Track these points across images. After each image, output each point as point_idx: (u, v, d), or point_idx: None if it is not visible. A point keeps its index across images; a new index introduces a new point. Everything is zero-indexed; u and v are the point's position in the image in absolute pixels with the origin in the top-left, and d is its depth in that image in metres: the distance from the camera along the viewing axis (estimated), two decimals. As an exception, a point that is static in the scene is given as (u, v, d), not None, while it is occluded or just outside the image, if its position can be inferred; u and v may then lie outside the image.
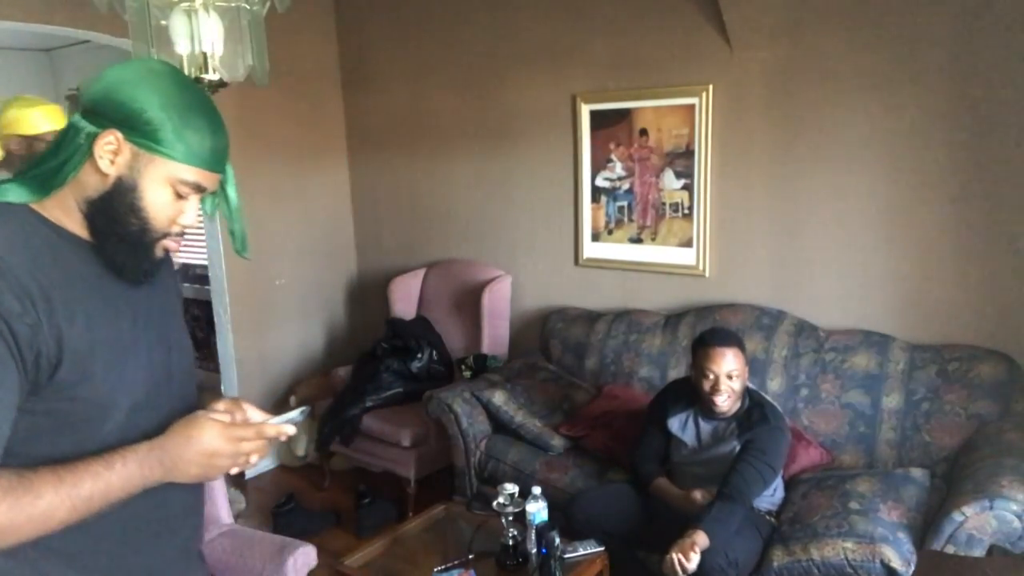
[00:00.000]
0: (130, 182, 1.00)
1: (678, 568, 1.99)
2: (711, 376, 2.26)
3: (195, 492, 1.18)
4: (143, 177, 1.00)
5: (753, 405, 2.33)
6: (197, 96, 1.04)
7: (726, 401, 2.27)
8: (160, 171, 1.00)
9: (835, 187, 2.83)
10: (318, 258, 4.23)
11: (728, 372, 2.25)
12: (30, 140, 2.41)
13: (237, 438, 1.02)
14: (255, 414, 1.11)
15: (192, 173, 1.01)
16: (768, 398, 2.45)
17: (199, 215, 1.10)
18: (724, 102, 3.01)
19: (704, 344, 2.31)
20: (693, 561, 1.99)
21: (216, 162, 1.04)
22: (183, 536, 1.18)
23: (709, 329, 2.48)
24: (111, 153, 0.98)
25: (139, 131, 0.98)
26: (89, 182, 1.00)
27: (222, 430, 1.01)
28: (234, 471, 1.05)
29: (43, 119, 2.42)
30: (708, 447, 2.37)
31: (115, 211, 1.00)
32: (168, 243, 1.07)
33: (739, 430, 2.31)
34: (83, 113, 1.00)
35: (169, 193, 1.02)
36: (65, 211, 1.01)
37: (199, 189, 1.04)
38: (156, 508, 1.08)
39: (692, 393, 2.38)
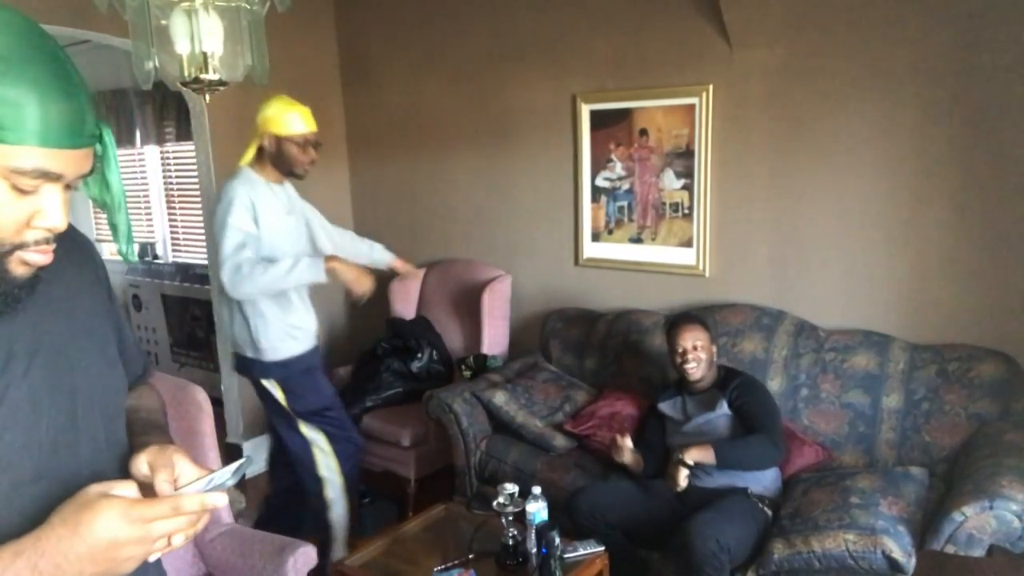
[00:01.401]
0: None
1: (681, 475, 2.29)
2: (680, 349, 2.55)
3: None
4: None
5: (726, 373, 2.61)
6: (25, 40, 0.71)
7: (696, 369, 2.52)
8: None
9: (835, 187, 2.83)
10: (318, 258, 4.22)
11: (693, 344, 2.52)
12: (280, 140, 2.47)
13: (145, 519, 0.73)
14: (188, 471, 0.83)
15: (29, 156, 0.71)
16: (734, 367, 2.71)
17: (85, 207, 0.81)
18: (724, 102, 3.01)
19: (671, 327, 2.63)
20: (688, 457, 2.30)
21: (67, 134, 0.73)
22: None
23: (675, 315, 2.88)
24: None
25: None
26: None
27: (123, 511, 0.72)
28: (152, 559, 0.77)
29: (298, 121, 2.50)
30: (700, 412, 2.54)
31: None
32: (28, 256, 0.75)
33: (720, 392, 2.52)
34: None
35: (4, 189, 0.72)
36: None
37: (50, 176, 0.73)
38: None
39: (678, 382, 2.66)
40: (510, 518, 2.21)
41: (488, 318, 3.60)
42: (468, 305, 3.72)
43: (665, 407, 2.66)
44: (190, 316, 5.00)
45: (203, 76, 2.05)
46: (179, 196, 5.19)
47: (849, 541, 2.08)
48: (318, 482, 2.60)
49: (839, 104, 2.77)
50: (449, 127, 3.90)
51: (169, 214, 5.30)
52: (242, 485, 3.76)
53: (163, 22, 2.02)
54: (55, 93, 0.71)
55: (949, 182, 2.62)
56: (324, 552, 2.54)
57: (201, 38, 2.00)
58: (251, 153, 2.52)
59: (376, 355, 3.62)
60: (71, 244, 0.91)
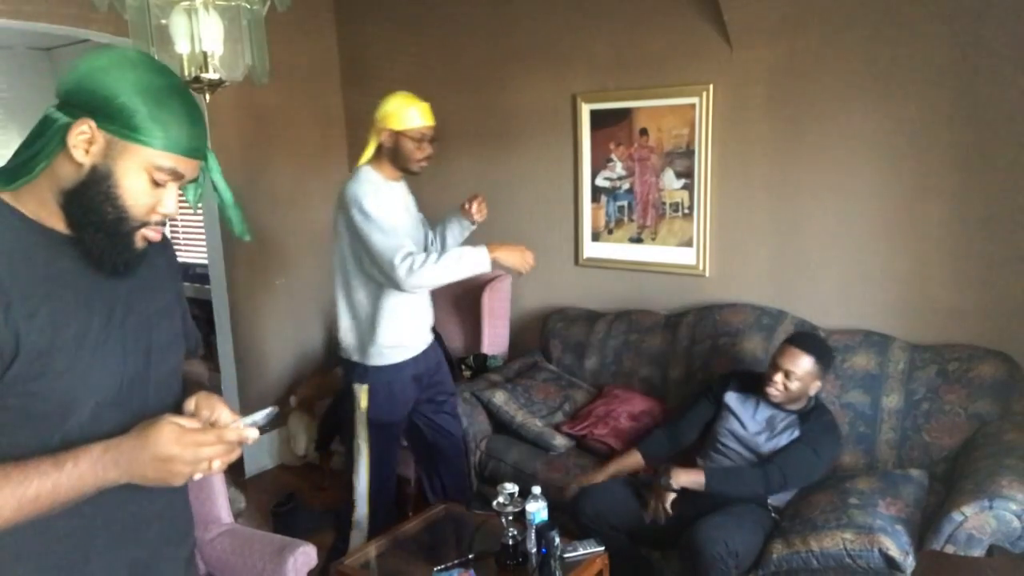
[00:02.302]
0: (105, 170, 0.98)
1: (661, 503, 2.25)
2: (773, 366, 2.38)
3: (161, 499, 1.13)
4: (118, 165, 0.98)
5: (816, 408, 2.43)
6: (171, 82, 1.02)
7: (775, 393, 2.36)
8: (135, 158, 0.99)
9: (835, 187, 2.83)
10: (318, 258, 4.22)
11: (787, 369, 2.33)
12: (398, 135, 2.44)
13: (196, 443, 0.98)
14: (225, 414, 1.08)
15: (168, 159, 1.00)
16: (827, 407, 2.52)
17: (186, 206, 1.09)
18: (724, 102, 3.01)
19: (786, 341, 2.45)
20: (676, 482, 2.24)
21: (193, 148, 1.03)
22: (145, 546, 1.13)
23: (805, 331, 2.68)
24: (85, 142, 0.97)
25: (112, 118, 0.97)
26: (64, 173, 0.99)
27: (180, 435, 0.97)
28: (197, 477, 1.01)
29: (416, 115, 2.44)
30: (761, 431, 2.42)
31: (91, 200, 0.98)
32: (147, 232, 1.05)
33: (800, 422, 2.38)
34: (58, 105, 0.99)
35: (145, 180, 1.00)
36: (41, 203, 1.00)
37: (177, 176, 1.03)
38: (114, 512, 1.06)
39: (756, 383, 2.46)
40: (510, 518, 2.21)
41: (488, 318, 3.60)
42: (468, 305, 3.72)
43: (733, 400, 2.50)
44: (190, 316, 5.00)
45: (203, 76, 2.05)
46: (179, 196, 5.18)
47: (847, 540, 2.08)
48: (351, 485, 2.60)
49: (839, 104, 2.77)
50: (449, 127, 3.88)
51: (169, 214, 5.29)
52: (243, 486, 3.77)
53: (163, 22, 2.02)
54: (191, 118, 1.02)
55: (949, 182, 2.62)
56: (338, 550, 2.56)
57: (201, 38, 2.00)
58: (369, 151, 2.52)
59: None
60: (162, 242, 1.19)
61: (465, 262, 2.31)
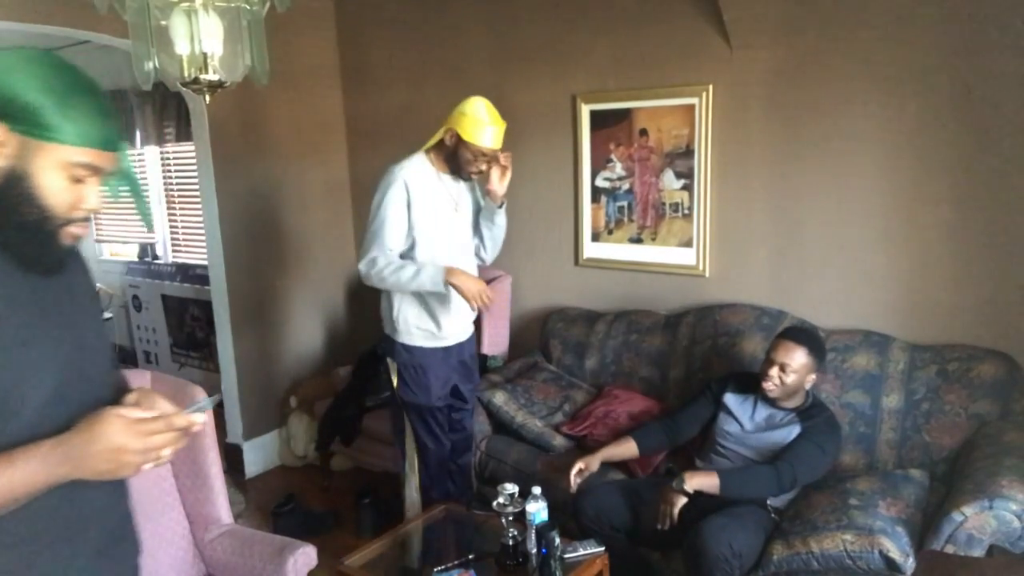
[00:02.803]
0: (21, 172, 0.99)
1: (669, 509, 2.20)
2: (768, 361, 2.38)
3: (110, 491, 1.16)
4: (33, 165, 0.99)
5: (814, 404, 2.43)
6: (77, 76, 1.02)
7: (771, 388, 2.36)
8: (51, 157, 0.99)
9: (835, 187, 2.83)
10: (318, 258, 4.23)
11: (782, 363, 2.33)
12: (460, 141, 2.47)
13: (145, 432, 0.99)
14: (165, 406, 1.09)
15: (85, 155, 1.00)
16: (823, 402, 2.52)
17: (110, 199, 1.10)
18: (724, 102, 3.01)
19: (779, 335, 2.46)
20: (690, 486, 2.20)
21: (109, 141, 1.03)
22: (97, 537, 1.15)
23: (796, 324, 2.70)
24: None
25: (20, 119, 0.97)
26: None
27: (129, 424, 0.99)
28: (147, 467, 1.02)
29: (489, 137, 2.44)
30: (761, 430, 2.42)
31: (10, 202, 0.99)
32: (74, 230, 1.05)
33: (800, 419, 2.37)
34: None
35: (64, 178, 1.01)
36: None
37: (96, 171, 1.03)
38: (66, 507, 1.07)
39: (756, 383, 2.45)
40: (510, 518, 2.21)
41: (488, 318, 3.60)
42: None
43: (732, 401, 2.50)
44: (190, 316, 5.00)
45: (203, 76, 2.04)
46: (179, 196, 5.19)
47: (847, 541, 2.08)
48: (402, 456, 2.74)
49: (839, 104, 2.77)
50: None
51: (169, 214, 5.30)
52: (243, 486, 3.77)
53: (163, 22, 2.02)
54: (97, 113, 1.01)
55: (949, 182, 2.62)
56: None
57: (201, 38, 2.00)
58: (435, 140, 2.56)
59: (376, 355, 3.60)
60: (80, 259, 1.20)
61: (421, 278, 2.43)
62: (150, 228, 1.31)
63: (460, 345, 2.70)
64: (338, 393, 3.66)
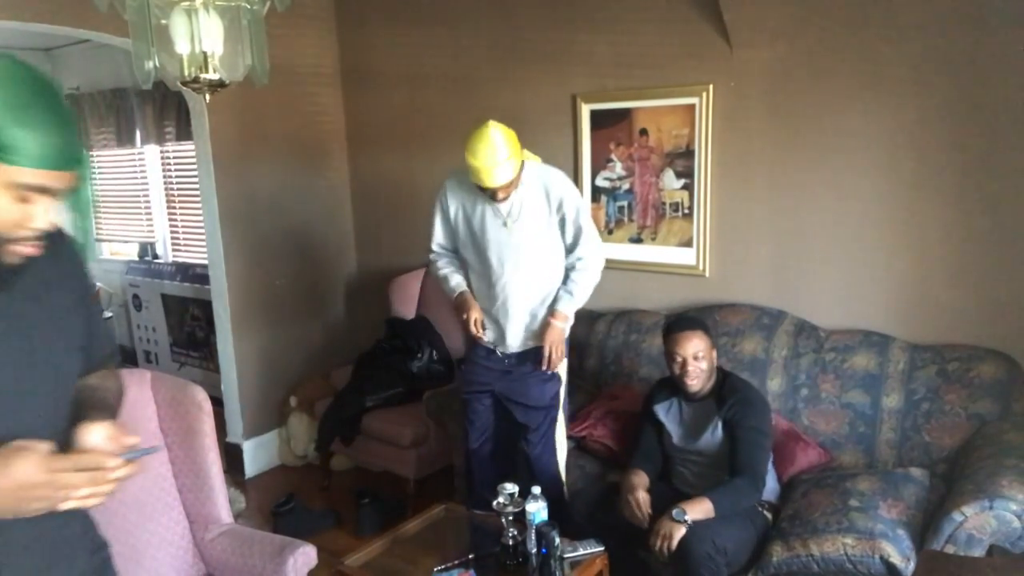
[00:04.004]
0: None
1: (661, 543, 2.14)
2: (679, 359, 2.38)
3: (32, 528, 1.04)
4: None
5: (722, 379, 2.45)
6: (33, 88, 0.95)
7: (695, 381, 2.37)
8: None
9: (835, 187, 2.83)
10: (318, 258, 4.23)
11: (694, 353, 2.36)
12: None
13: (55, 470, 0.93)
14: (123, 443, 1.04)
15: (32, 176, 0.94)
16: (734, 373, 2.55)
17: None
18: (724, 102, 3.01)
19: (670, 331, 2.45)
20: (690, 516, 2.15)
21: (63, 160, 0.96)
22: (45, 550, 1.09)
23: (675, 316, 2.72)
24: None
25: None
26: None
27: (39, 461, 0.93)
28: (64, 506, 0.96)
29: (476, 176, 2.41)
30: (695, 431, 2.42)
31: None
32: (19, 248, 0.99)
33: (717, 406, 2.38)
34: None
35: (7, 199, 0.95)
36: None
37: (45, 191, 0.97)
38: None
39: (674, 384, 2.47)
40: (510, 518, 2.21)
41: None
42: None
43: (661, 411, 2.51)
44: (190, 316, 5.00)
45: (203, 76, 2.04)
46: (179, 196, 5.19)
47: (848, 545, 2.08)
48: None
49: (839, 104, 2.77)
50: (449, 127, 3.89)
51: (169, 214, 5.30)
52: (243, 486, 3.77)
53: (163, 22, 2.02)
54: (53, 129, 0.94)
55: (949, 182, 2.62)
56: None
57: (201, 38, 2.00)
58: None
59: (376, 355, 3.62)
60: (56, 244, 1.11)
61: (445, 286, 2.72)
62: (87, 255, 1.20)
63: (506, 356, 2.68)
64: (338, 393, 3.65)
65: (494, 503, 2.24)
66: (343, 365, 3.92)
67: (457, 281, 2.67)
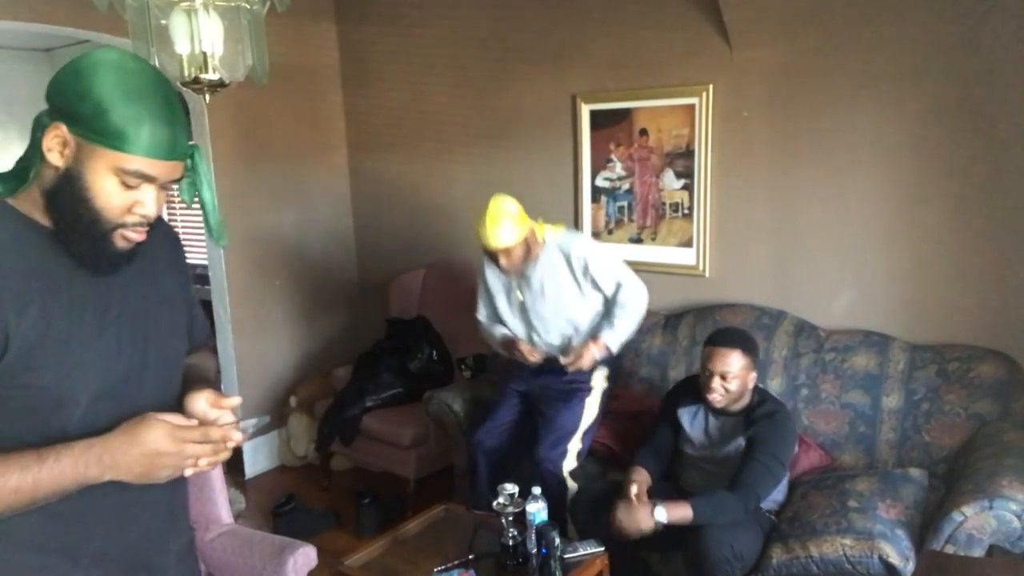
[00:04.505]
0: (75, 173, 1.00)
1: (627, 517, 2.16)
2: (707, 373, 2.32)
3: (130, 516, 1.13)
4: (86, 168, 1.00)
5: (759, 402, 2.36)
6: (146, 82, 1.02)
7: (717, 399, 2.31)
8: (103, 161, 1.00)
9: (835, 187, 2.83)
10: (318, 258, 4.23)
11: (722, 372, 2.28)
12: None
13: (183, 439, 1.02)
14: (227, 417, 1.12)
15: (135, 163, 1.00)
16: (773, 395, 2.47)
17: (178, 202, 1.08)
18: (724, 102, 3.01)
19: (708, 342, 2.37)
20: (653, 516, 2.14)
21: (165, 150, 1.02)
22: (135, 531, 1.15)
23: (723, 328, 2.52)
24: (59, 145, 1.00)
25: (80, 122, 0.98)
26: (47, 175, 1.02)
27: (168, 431, 1.01)
28: (188, 472, 1.06)
29: (484, 236, 2.60)
30: (717, 443, 2.38)
31: (64, 202, 1.01)
32: (128, 233, 1.05)
33: (744, 426, 2.32)
34: (47, 109, 1.02)
35: (115, 183, 1.01)
36: (34, 204, 1.04)
37: (147, 179, 1.03)
38: (75, 525, 1.07)
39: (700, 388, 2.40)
40: (510, 518, 2.21)
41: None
42: (468, 305, 3.71)
43: (685, 418, 2.45)
44: (199, 306, 5.00)
45: (203, 76, 2.04)
46: (179, 196, 5.18)
47: (846, 546, 2.08)
48: None
49: (839, 104, 2.77)
50: (449, 127, 3.90)
51: (169, 214, 5.30)
52: (243, 486, 3.76)
53: (163, 22, 2.01)
54: (161, 120, 1.01)
55: (949, 182, 2.62)
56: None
57: (201, 38, 2.00)
58: None
59: (376, 355, 3.62)
60: (163, 236, 1.23)
61: (493, 342, 2.95)
62: (218, 241, 1.26)
63: (536, 369, 2.83)
64: (338, 393, 3.65)
65: (494, 503, 2.24)
66: (343, 365, 3.92)
67: (503, 331, 2.89)
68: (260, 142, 3.84)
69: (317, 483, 3.76)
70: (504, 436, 2.83)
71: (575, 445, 2.73)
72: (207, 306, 4.16)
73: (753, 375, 2.34)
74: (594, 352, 2.68)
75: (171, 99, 1.04)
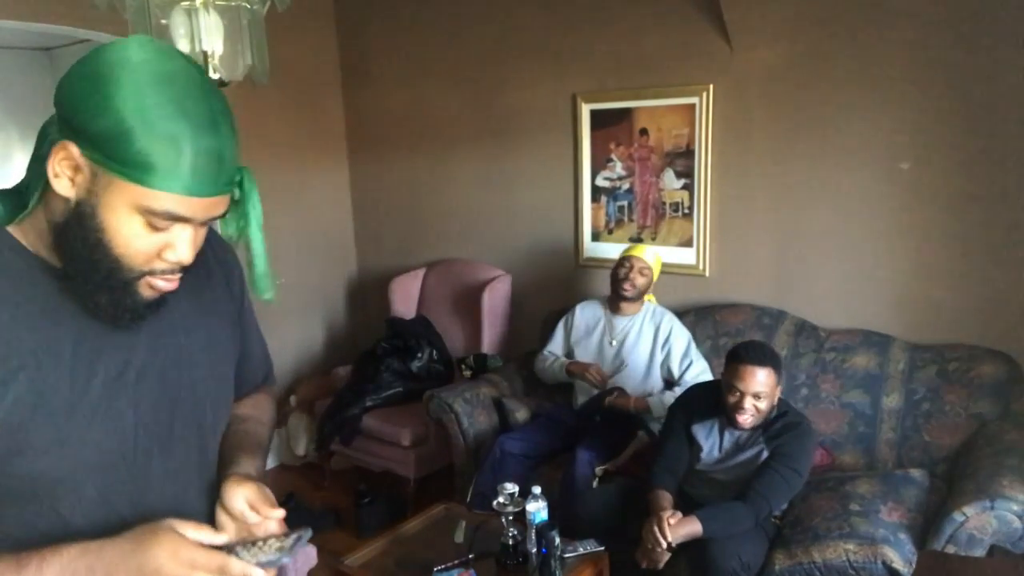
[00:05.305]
0: (88, 209, 0.76)
1: (656, 536, 2.10)
2: (736, 393, 2.16)
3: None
4: (101, 203, 0.76)
5: (779, 414, 2.25)
6: (185, 90, 0.76)
7: (748, 419, 2.17)
8: (122, 196, 0.76)
9: (835, 187, 2.83)
10: (318, 258, 4.22)
11: (755, 392, 2.14)
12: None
13: (192, 564, 0.79)
14: (272, 527, 0.90)
15: (166, 201, 0.77)
16: (791, 405, 2.38)
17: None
18: (724, 102, 3.01)
19: (736, 359, 2.19)
20: (669, 536, 2.09)
21: (207, 184, 0.78)
22: None
23: (747, 342, 2.31)
24: (69, 170, 0.76)
25: (94, 143, 0.74)
26: (55, 204, 0.78)
27: (176, 547, 0.79)
28: None
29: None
30: (730, 455, 2.30)
31: (76, 243, 0.78)
32: (155, 282, 0.82)
33: (764, 437, 2.22)
34: (56, 118, 0.79)
35: (139, 224, 0.78)
36: (39, 235, 0.81)
37: (179, 219, 0.79)
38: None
39: (719, 401, 2.27)
40: (510, 518, 2.20)
41: (488, 318, 3.60)
42: (468, 305, 3.72)
43: (701, 434, 2.33)
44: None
45: (203, 76, 2.04)
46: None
47: (849, 551, 2.07)
48: None
49: (839, 104, 2.77)
50: (449, 127, 3.90)
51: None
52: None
53: (163, 21, 2.01)
54: (202, 146, 0.76)
55: (949, 182, 2.62)
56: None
57: (201, 37, 2.00)
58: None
59: (376, 355, 3.62)
60: (214, 259, 1.00)
61: (554, 371, 3.09)
62: (260, 293, 0.96)
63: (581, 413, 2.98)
64: (338, 393, 3.65)
65: (494, 503, 2.24)
66: (343, 365, 3.92)
67: (563, 361, 3.05)
68: (260, 141, 3.83)
69: (317, 482, 3.75)
70: (529, 447, 2.86)
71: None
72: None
73: (779, 390, 2.21)
74: (630, 403, 2.81)
75: (216, 112, 0.79)
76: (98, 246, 0.78)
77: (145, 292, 0.83)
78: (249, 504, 0.90)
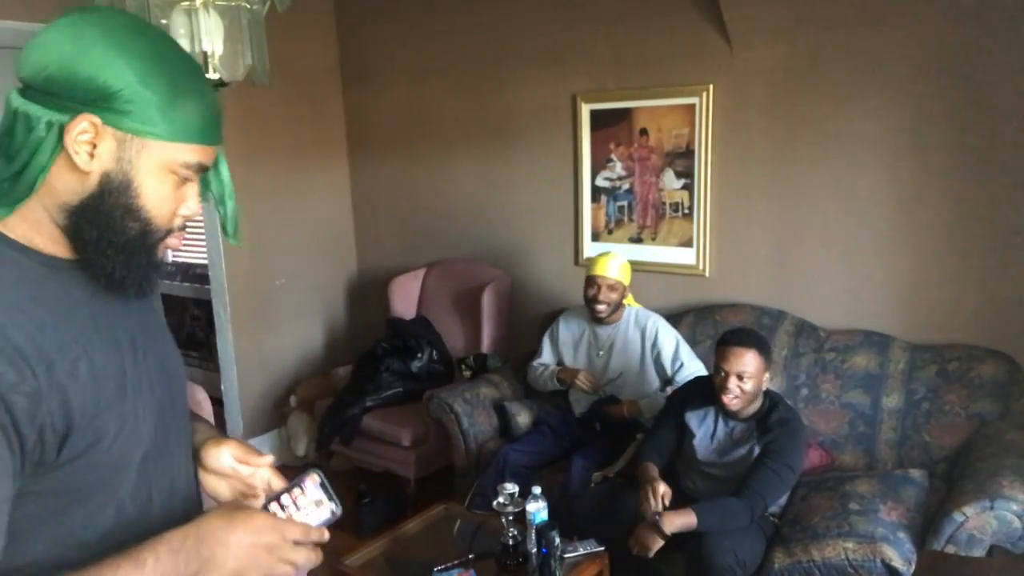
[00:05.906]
0: (121, 177, 0.79)
1: (650, 501, 2.17)
2: (722, 373, 2.25)
3: None
4: (137, 168, 0.79)
5: (771, 407, 2.30)
6: (175, 52, 0.83)
7: (733, 400, 2.23)
8: (157, 157, 0.80)
9: (835, 187, 2.83)
10: (318, 258, 4.22)
11: (739, 372, 2.21)
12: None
13: (284, 532, 0.83)
14: (269, 478, 0.94)
15: (193, 152, 0.82)
16: (782, 397, 2.41)
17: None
18: (724, 102, 3.01)
19: (723, 342, 2.30)
20: (661, 491, 2.18)
21: (215, 132, 0.85)
22: None
23: (734, 328, 2.41)
24: (88, 144, 0.77)
25: (121, 110, 0.77)
26: (64, 185, 0.79)
27: (273, 519, 0.84)
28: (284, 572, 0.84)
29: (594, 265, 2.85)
30: (725, 449, 2.33)
31: (108, 216, 0.79)
32: (171, 241, 0.86)
33: (757, 432, 2.27)
34: (27, 95, 0.77)
35: (171, 182, 0.82)
36: (33, 226, 0.80)
37: (202, 169, 0.85)
38: None
39: (712, 391, 2.34)
40: (510, 518, 2.21)
41: (488, 318, 3.60)
42: (468, 305, 3.72)
43: (693, 421, 2.38)
44: (190, 316, 5.00)
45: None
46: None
47: (848, 550, 2.07)
48: None
49: (839, 104, 2.77)
50: (449, 127, 3.90)
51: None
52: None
53: (163, 21, 2.01)
54: (208, 101, 0.83)
55: (949, 182, 2.62)
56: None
57: (201, 37, 2.00)
58: None
59: (376, 355, 3.62)
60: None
61: (545, 379, 3.06)
62: (232, 238, 0.94)
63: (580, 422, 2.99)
64: (338, 393, 3.65)
65: (494, 503, 2.24)
66: (343, 365, 3.92)
67: (553, 369, 3.04)
68: (260, 141, 3.83)
69: (317, 483, 3.75)
70: (532, 458, 2.86)
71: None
72: (207, 306, 4.16)
73: (767, 376, 2.28)
74: (626, 408, 2.80)
75: (202, 73, 0.87)
76: (132, 211, 0.80)
77: (161, 255, 0.87)
78: (236, 459, 0.94)
